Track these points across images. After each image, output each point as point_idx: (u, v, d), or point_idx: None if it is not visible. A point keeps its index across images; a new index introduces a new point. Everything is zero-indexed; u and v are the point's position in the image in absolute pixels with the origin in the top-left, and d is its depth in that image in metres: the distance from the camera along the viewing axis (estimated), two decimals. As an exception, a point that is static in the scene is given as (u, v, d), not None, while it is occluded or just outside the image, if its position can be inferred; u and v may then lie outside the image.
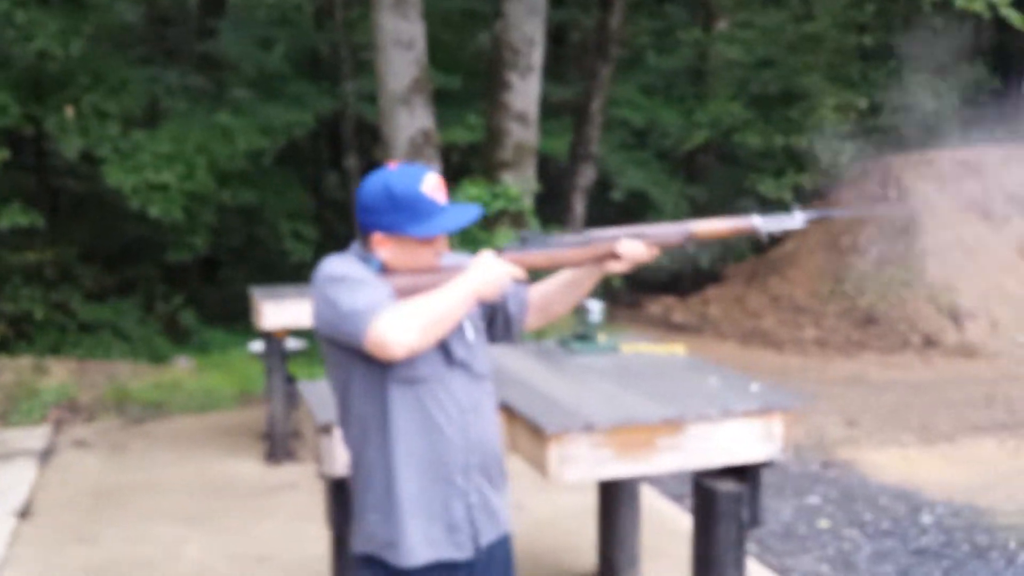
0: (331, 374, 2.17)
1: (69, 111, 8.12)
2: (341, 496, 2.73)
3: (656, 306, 10.88)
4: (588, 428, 2.65)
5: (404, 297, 2.03)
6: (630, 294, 11.69)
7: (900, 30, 16.11)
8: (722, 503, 2.79)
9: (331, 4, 11.16)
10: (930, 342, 8.65)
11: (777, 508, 4.81)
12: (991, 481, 5.26)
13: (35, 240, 9.91)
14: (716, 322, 10.11)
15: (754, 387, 3.01)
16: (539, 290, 2.34)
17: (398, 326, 1.92)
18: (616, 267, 2.22)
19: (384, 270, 2.10)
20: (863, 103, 12.37)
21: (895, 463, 5.61)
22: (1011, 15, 9.06)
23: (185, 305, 10.94)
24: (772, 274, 10.41)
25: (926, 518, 4.73)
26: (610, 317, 10.22)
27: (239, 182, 10.34)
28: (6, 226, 8.66)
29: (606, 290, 9.19)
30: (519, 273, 2.15)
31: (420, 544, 2.07)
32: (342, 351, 2.05)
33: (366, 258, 2.12)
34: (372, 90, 8.71)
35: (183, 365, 7.80)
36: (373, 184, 2.10)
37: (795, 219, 2.28)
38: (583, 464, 2.65)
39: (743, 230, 2.32)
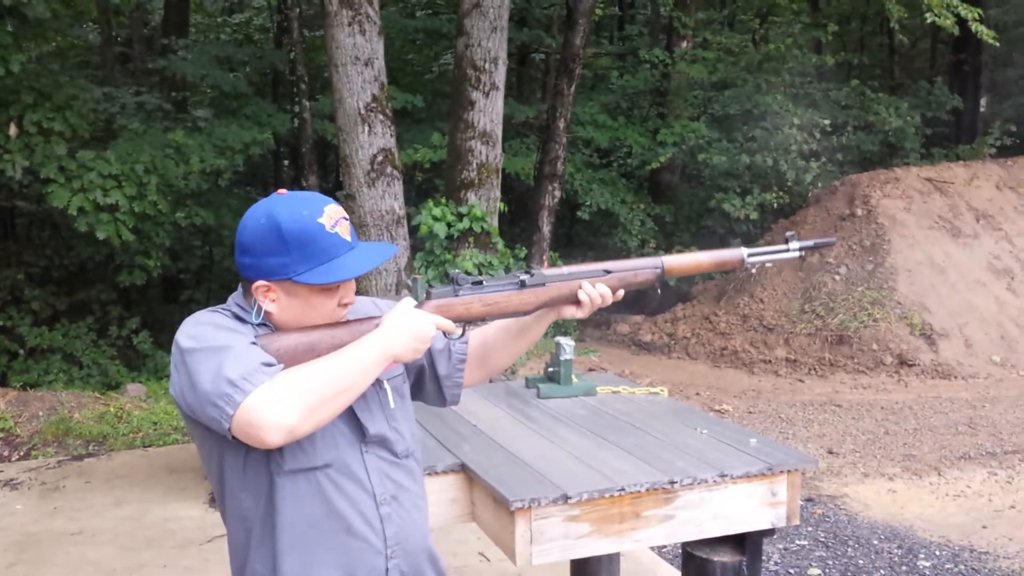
0: (202, 458, 1.72)
1: (12, 129, 7.76)
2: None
3: (624, 325, 10.69)
4: (562, 500, 2.27)
5: (291, 363, 1.56)
6: (596, 312, 11.51)
7: (859, 50, 16.27)
8: (717, 576, 2.45)
9: (290, 22, 10.91)
10: (904, 362, 8.53)
11: (763, 553, 4.57)
12: (986, 518, 5.05)
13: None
14: (685, 342, 9.95)
15: (753, 441, 2.66)
16: (476, 338, 1.92)
17: (273, 404, 1.46)
18: (575, 313, 1.83)
19: (268, 327, 1.65)
20: (826, 122, 12.37)
21: (882, 498, 5.38)
22: (981, 30, 9.06)
23: (141, 328, 10.60)
24: (740, 293, 10.28)
25: (924, 562, 4.48)
26: (577, 337, 10.07)
27: (195, 202, 10.04)
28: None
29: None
30: (447, 325, 1.71)
31: None
32: (209, 433, 1.58)
33: (246, 312, 1.66)
34: (332, 109, 8.48)
35: (135, 392, 7.46)
36: (255, 217, 1.62)
37: (789, 250, 1.96)
38: (555, 543, 2.29)
39: (728, 263, 1.97)
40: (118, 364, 10.08)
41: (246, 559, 1.69)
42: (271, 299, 1.63)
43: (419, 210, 8.32)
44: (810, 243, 2.03)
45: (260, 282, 1.62)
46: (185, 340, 1.57)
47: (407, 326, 1.62)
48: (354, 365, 1.55)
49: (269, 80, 14.68)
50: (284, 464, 1.61)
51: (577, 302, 1.83)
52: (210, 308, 1.69)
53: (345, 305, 1.69)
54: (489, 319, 1.83)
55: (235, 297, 1.70)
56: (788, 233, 2.01)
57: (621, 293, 1.88)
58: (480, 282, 1.80)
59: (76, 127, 8.28)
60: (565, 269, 1.85)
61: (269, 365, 1.53)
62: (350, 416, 1.66)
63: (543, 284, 1.82)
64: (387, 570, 1.70)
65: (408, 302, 1.69)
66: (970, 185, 10.89)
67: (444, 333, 1.75)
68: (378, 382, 1.72)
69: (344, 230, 1.64)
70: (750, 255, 1.97)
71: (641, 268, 1.89)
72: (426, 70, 14.74)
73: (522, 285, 1.81)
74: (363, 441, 1.69)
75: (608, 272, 1.86)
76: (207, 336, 1.57)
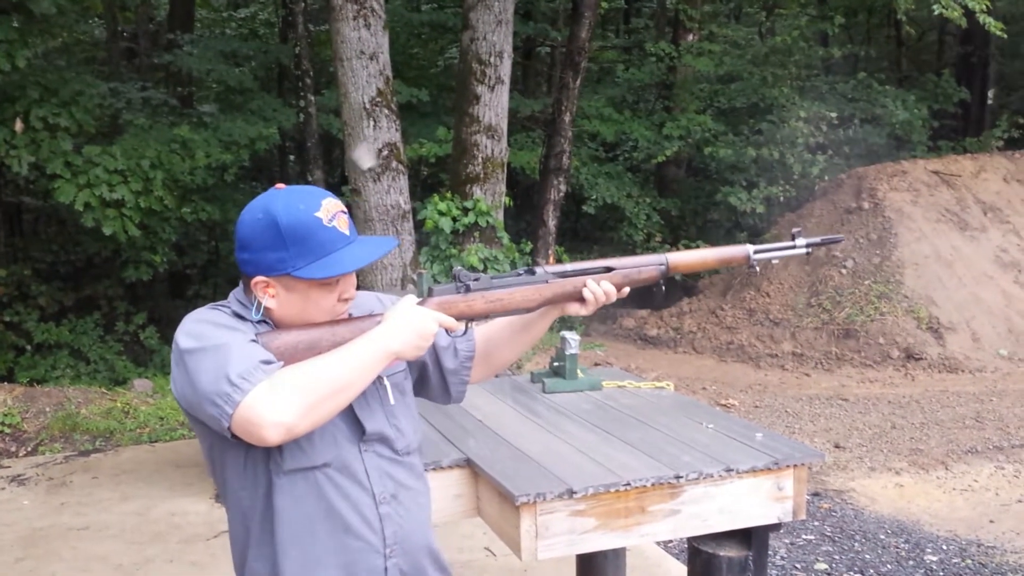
0: (204, 455, 1.72)
1: (18, 125, 7.77)
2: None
3: (630, 320, 10.67)
4: (567, 495, 2.26)
5: (292, 361, 1.55)
6: (601, 307, 11.47)
7: (866, 43, 16.19)
8: (724, 571, 2.44)
9: (295, 16, 10.90)
10: (911, 356, 8.50)
11: (769, 548, 4.52)
12: (993, 512, 5.04)
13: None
14: (691, 336, 9.93)
15: (759, 435, 2.66)
16: (480, 336, 1.92)
17: (271, 402, 1.45)
18: (579, 310, 1.83)
19: (268, 323, 1.64)
20: (833, 115, 12.32)
21: (889, 492, 5.37)
22: (989, 22, 9.01)
23: (147, 324, 10.62)
24: (747, 287, 10.26)
25: (931, 557, 4.47)
26: (583, 332, 10.06)
27: (201, 198, 10.05)
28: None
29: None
30: (450, 322, 1.70)
31: None
32: (210, 431, 1.58)
33: (246, 308, 1.65)
34: (338, 103, 8.47)
35: (142, 388, 7.47)
36: (253, 212, 1.61)
37: (796, 246, 1.96)
38: (561, 538, 2.28)
39: (733, 260, 1.97)
40: (125, 360, 10.10)
41: (245, 557, 1.69)
42: (270, 295, 1.62)
43: (424, 204, 8.32)
44: (817, 240, 2.03)
45: (259, 277, 1.61)
46: (184, 339, 1.56)
47: (409, 323, 1.61)
48: (354, 363, 1.53)
49: (274, 75, 14.69)
50: (284, 464, 1.60)
51: (581, 299, 1.83)
52: (210, 305, 1.68)
53: (346, 300, 1.68)
54: (492, 316, 1.82)
55: (235, 293, 1.70)
56: (795, 230, 2.01)
57: (626, 291, 1.88)
58: (485, 280, 1.79)
59: (82, 123, 8.29)
60: (569, 266, 1.85)
61: (268, 363, 1.53)
62: (348, 414, 1.65)
63: (546, 281, 1.81)
64: (386, 569, 1.69)
65: (410, 299, 1.68)
66: (977, 178, 10.85)
67: (447, 330, 1.73)
68: (378, 378, 1.70)
69: (342, 224, 1.63)
70: (756, 252, 1.96)
71: (645, 265, 1.88)
72: (431, 64, 14.73)
73: (525, 282, 1.80)
74: (361, 439, 1.68)
75: (611, 269, 1.86)
76: (206, 335, 1.56)
